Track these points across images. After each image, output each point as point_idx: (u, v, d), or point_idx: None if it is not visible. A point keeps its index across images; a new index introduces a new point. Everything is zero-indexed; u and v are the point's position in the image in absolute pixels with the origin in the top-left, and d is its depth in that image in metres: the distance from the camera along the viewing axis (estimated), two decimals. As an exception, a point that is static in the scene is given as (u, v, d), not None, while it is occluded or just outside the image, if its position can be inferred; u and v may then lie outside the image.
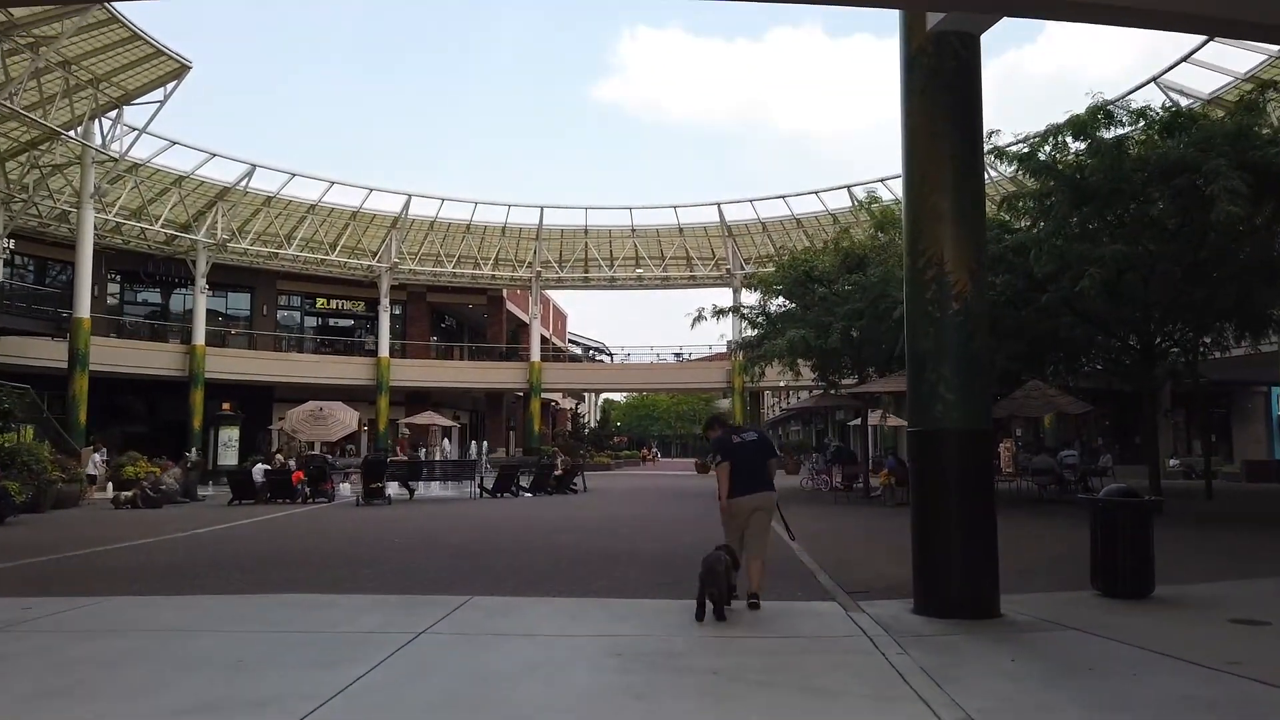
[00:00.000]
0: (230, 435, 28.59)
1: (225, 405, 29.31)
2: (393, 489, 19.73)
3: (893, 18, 7.06)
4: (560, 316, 65.26)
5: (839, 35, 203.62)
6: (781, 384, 42.97)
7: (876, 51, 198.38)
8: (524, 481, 21.27)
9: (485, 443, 25.88)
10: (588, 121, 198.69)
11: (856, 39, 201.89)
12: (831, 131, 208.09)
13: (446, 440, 27.01)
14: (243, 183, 35.21)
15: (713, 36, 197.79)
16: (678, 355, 47.69)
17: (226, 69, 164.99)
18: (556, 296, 60.75)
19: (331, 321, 45.15)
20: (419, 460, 20.99)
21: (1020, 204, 14.96)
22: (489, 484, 20.28)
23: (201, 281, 36.11)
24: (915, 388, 6.69)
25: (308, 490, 18.28)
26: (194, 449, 23.52)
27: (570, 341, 67.12)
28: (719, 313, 20.83)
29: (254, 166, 34.95)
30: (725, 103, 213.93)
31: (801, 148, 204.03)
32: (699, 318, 21.24)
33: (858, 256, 18.61)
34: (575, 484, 23.34)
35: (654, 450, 67.22)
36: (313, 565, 8.93)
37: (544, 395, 56.41)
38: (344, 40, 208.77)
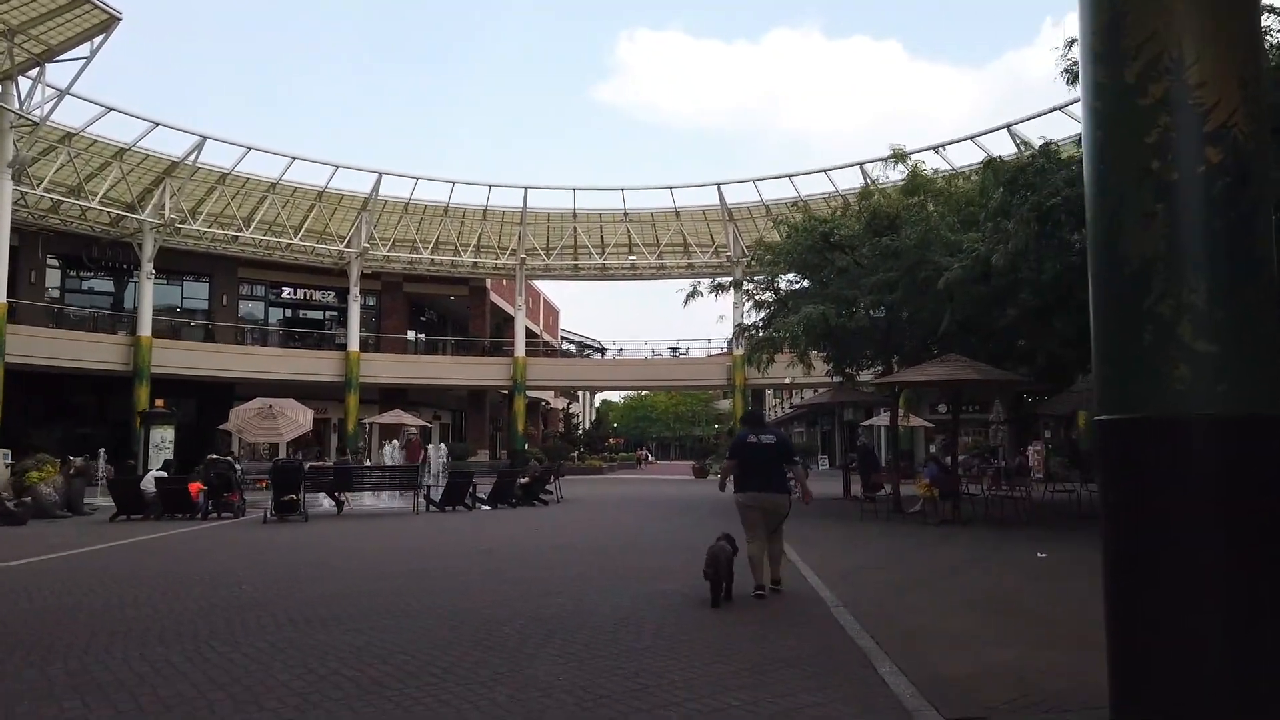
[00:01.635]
0: (164, 435, 25.20)
1: (158, 401, 25.88)
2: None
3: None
4: (552, 312, 61.85)
5: (837, 37, 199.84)
6: (787, 380, 39.51)
7: (874, 52, 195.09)
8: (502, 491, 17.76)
9: (443, 445, 22.37)
10: (585, 124, 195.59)
11: (855, 41, 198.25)
12: (831, 133, 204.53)
13: (394, 442, 23.48)
14: (191, 157, 31.78)
15: (711, 38, 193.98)
16: (674, 350, 44.22)
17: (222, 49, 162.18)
18: (548, 290, 57.42)
19: (302, 313, 41.70)
20: (348, 466, 17.42)
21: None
22: (453, 494, 16.77)
23: (148, 266, 32.70)
24: (1116, 332, 3.25)
25: (210, 504, 14.84)
26: (103, 451, 20.10)
27: (563, 339, 63.60)
28: (717, 288, 17.34)
29: (204, 138, 31.55)
30: (724, 105, 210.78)
31: (801, 149, 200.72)
32: (694, 293, 17.76)
33: (888, 216, 15.17)
34: (550, 491, 19.93)
35: (645, 453, 63.47)
36: (43, 647, 5.49)
37: (533, 394, 53.01)
38: (329, 40, 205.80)
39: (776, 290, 16.91)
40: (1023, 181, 11.16)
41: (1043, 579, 8.28)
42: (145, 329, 32.37)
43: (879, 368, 22.09)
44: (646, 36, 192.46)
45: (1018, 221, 10.95)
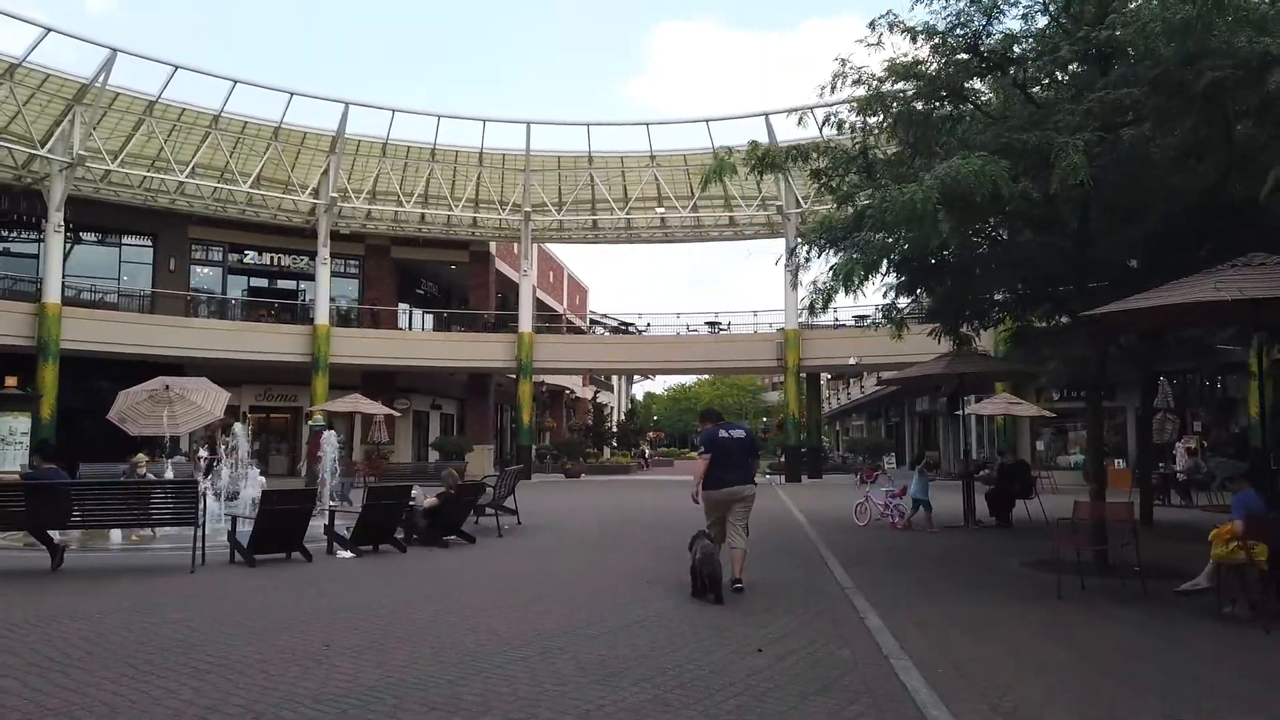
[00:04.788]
0: (14, 426, 18.66)
1: (10, 380, 19.35)
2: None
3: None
4: (579, 290, 54.70)
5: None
6: (852, 360, 31.84)
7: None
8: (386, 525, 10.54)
9: (331, 431, 15.26)
10: (609, 115, 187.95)
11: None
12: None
13: (220, 434, 16.50)
14: (101, 77, 25.29)
15: (747, 29, 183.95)
16: (713, 326, 36.76)
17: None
18: (570, 261, 50.32)
19: (277, 283, 35.23)
20: (52, 482, 9.47)
21: None
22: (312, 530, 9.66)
23: (56, 216, 26.38)
24: None
25: None
26: None
27: (593, 322, 55.82)
28: (762, 162, 9.85)
29: (114, 51, 25.04)
30: (759, 98, 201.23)
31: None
32: (718, 169, 10.40)
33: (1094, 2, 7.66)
34: (511, 509, 12.82)
35: (645, 448, 55.22)
36: None
37: (553, 381, 46.02)
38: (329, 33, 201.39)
39: (870, 167, 9.39)
40: None
41: None
42: (53, 295, 26.08)
43: (1006, 322, 14.54)
44: (677, 30, 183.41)
45: None
